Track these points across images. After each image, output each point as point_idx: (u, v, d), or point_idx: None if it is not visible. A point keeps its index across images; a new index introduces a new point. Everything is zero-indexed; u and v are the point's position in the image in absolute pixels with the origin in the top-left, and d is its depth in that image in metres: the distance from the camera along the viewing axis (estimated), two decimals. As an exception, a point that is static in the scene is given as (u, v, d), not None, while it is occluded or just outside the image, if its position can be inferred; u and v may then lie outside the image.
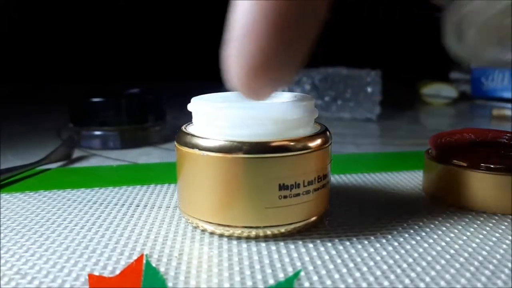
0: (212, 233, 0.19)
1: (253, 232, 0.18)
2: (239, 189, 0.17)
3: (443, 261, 0.17)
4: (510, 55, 0.15)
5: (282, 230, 0.18)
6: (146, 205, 0.22)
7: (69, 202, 0.23)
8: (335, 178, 0.27)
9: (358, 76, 0.49)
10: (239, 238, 0.18)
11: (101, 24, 0.91)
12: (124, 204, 0.23)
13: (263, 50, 0.15)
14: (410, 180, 0.27)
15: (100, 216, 0.21)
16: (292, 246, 0.18)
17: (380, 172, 0.28)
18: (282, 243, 0.18)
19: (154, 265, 0.16)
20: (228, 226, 0.18)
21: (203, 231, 0.19)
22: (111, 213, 0.21)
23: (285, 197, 0.17)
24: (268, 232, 0.18)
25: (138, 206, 0.22)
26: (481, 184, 0.21)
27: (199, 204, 0.18)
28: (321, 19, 0.16)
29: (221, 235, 0.19)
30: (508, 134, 0.25)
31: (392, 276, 0.15)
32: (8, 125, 0.49)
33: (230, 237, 0.18)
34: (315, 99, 0.50)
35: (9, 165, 0.29)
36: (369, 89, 0.49)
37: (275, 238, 0.18)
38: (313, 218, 0.19)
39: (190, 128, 0.19)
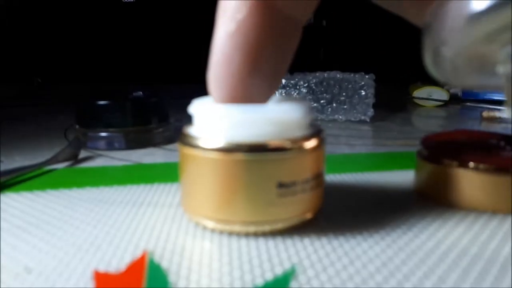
0: (213, 230, 0.19)
1: (252, 229, 0.19)
2: (238, 187, 0.18)
3: (435, 258, 0.17)
4: (491, 81, 0.15)
5: (280, 226, 0.19)
6: (150, 203, 0.23)
7: (75, 200, 0.23)
8: (330, 178, 0.27)
9: (352, 80, 0.49)
10: (238, 234, 0.19)
11: (107, 26, 0.91)
12: (128, 202, 0.23)
13: (235, 77, 0.17)
14: (402, 179, 0.27)
15: (106, 214, 0.22)
16: (289, 242, 0.18)
17: (374, 172, 0.29)
18: (279, 239, 0.18)
19: (156, 260, 0.17)
20: (228, 222, 0.18)
21: (204, 228, 0.20)
22: (116, 211, 0.22)
23: (282, 195, 0.18)
24: (267, 228, 0.19)
25: (142, 204, 0.23)
26: (471, 183, 0.21)
27: (200, 202, 0.19)
28: (292, 51, 0.18)
29: (221, 232, 0.19)
30: (497, 135, 0.25)
31: (386, 272, 0.16)
32: (15, 126, 0.49)
33: (230, 233, 0.19)
34: (311, 102, 0.50)
35: (17, 165, 0.29)
36: (363, 92, 0.49)
37: (273, 234, 0.19)
38: (309, 215, 0.20)
39: (192, 130, 0.19)
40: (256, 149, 0.18)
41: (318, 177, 0.19)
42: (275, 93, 0.18)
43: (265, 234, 0.19)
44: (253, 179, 0.18)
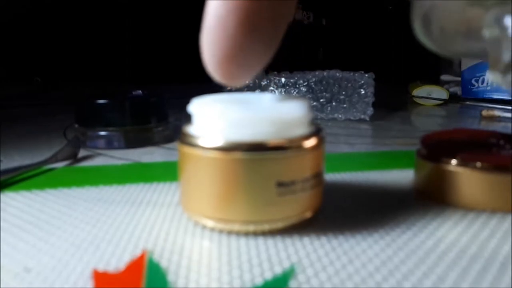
0: (212, 229, 0.19)
1: (252, 228, 0.19)
2: (238, 186, 0.18)
3: (434, 257, 0.17)
4: (478, 46, 0.15)
5: (279, 225, 0.19)
6: (149, 202, 0.23)
7: (74, 199, 0.23)
8: (329, 177, 0.27)
9: (352, 79, 0.49)
10: (238, 233, 0.19)
11: (106, 26, 0.91)
12: (128, 201, 0.23)
13: (229, 40, 0.16)
14: (402, 178, 0.27)
15: (105, 213, 0.22)
16: (288, 241, 0.18)
17: (373, 171, 0.29)
18: (279, 238, 0.18)
19: (156, 260, 0.17)
20: (227, 222, 0.18)
21: (204, 227, 0.20)
22: (115, 210, 0.22)
23: (282, 194, 0.18)
24: (266, 227, 0.19)
25: (142, 203, 0.23)
26: (471, 182, 0.21)
27: (200, 201, 0.19)
28: (288, 17, 0.17)
29: (221, 231, 0.19)
30: (497, 134, 0.25)
31: (385, 271, 0.16)
32: (14, 125, 0.49)
33: (229, 232, 0.19)
34: (311, 100, 0.50)
35: (16, 164, 0.29)
36: (362, 91, 0.49)
37: (272, 233, 0.19)
38: (309, 214, 0.20)
39: (191, 129, 0.19)
40: (255, 148, 0.18)
41: (317, 176, 0.19)
42: (271, 53, 0.18)
43: (264, 233, 0.19)
44: (253, 178, 0.18)
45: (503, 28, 0.14)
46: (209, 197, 0.18)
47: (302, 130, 0.19)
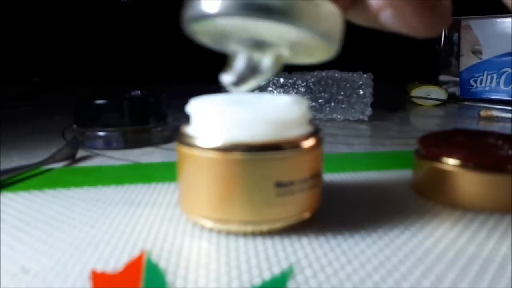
0: (211, 229, 0.19)
1: (250, 228, 0.19)
2: (236, 187, 0.18)
3: (432, 257, 0.17)
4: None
5: (278, 225, 0.19)
6: (148, 203, 0.23)
7: (73, 200, 0.23)
8: (328, 177, 0.27)
9: (351, 79, 0.49)
10: (236, 234, 0.19)
11: (105, 26, 0.91)
12: (126, 202, 0.23)
13: None
14: (400, 178, 0.27)
15: (103, 213, 0.21)
16: (287, 241, 0.18)
17: (372, 171, 0.29)
18: (277, 239, 0.18)
19: (154, 260, 0.17)
20: (226, 222, 0.18)
21: (202, 227, 0.20)
22: (113, 210, 0.22)
23: (280, 194, 0.18)
24: (265, 227, 0.19)
25: (140, 204, 0.23)
26: (469, 182, 0.22)
27: (198, 201, 0.19)
28: None
29: (219, 231, 0.19)
30: (495, 134, 0.26)
31: (384, 271, 0.16)
32: (13, 125, 0.49)
33: (228, 233, 0.19)
34: (310, 101, 0.50)
35: (14, 165, 0.29)
36: (361, 92, 0.49)
37: (271, 234, 0.19)
38: (307, 215, 0.20)
39: (190, 129, 0.19)
40: (253, 148, 0.18)
41: (316, 176, 0.19)
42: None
43: (263, 234, 0.19)
44: (251, 179, 0.18)
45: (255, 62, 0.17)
46: (207, 197, 0.18)
47: (301, 130, 0.19)
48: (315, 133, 0.19)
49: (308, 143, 0.19)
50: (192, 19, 0.16)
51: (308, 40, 0.16)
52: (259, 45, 0.17)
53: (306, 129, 0.19)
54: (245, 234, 0.19)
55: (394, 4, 0.16)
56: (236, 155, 0.18)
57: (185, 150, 0.19)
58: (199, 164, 0.18)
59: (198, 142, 0.18)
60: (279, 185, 0.18)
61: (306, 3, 0.15)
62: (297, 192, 0.18)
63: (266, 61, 0.18)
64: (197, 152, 0.18)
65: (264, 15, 0.14)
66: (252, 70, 0.18)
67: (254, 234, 0.19)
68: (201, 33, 0.17)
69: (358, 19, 0.18)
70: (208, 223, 0.19)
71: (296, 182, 0.18)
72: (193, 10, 0.15)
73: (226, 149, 0.18)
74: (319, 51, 0.17)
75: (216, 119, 0.18)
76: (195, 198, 0.19)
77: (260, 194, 0.18)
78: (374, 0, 0.16)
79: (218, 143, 0.18)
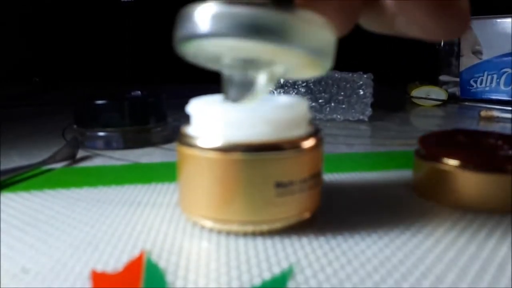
0: (211, 230, 0.19)
1: (250, 228, 0.19)
2: (236, 187, 0.18)
3: (433, 257, 0.17)
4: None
5: (278, 225, 0.19)
6: (148, 203, 0.23)
7: (73, 200, 0.23)
8: (328, 177, 0.27)
9: (351, 79, 0.49)
10: (236, 234, 0.19)
11: (105, 26, 0.91)
12: (126, 202, 0.23)
13: None
14: (400, 178, 0.27)
15: (103, 213, 0.21)
16: (287, 241, 0.18)
17: (372, 171, 0.29)
18: (277, 239, 0.18)
19: (154, 260, 0.17)
20: (226, 222, 0.18)
21: (202, 227, 0.20)
22: (113, 210, 0.22)
23: (280, 194, 0.18)
24: (265, 228, 0.19)
25: (140, 204, 0.23)
26: (469, 182, 0.21)
27: (198, 201, 0.19)
28: None
29: (219, 231, 0.19)
30: (495, 135, 0.25)
31: (384, 271, 0.16)
32: (13, 125, 0.49)
33: (228, 233, 0.19)
34: (310, 101, 0.50)
35: (15, 165, 0.29)
36: (361, 92, 0.49)
37: (271, 234, 0.19)
38: (307, 215, 0.20)
39: (190, 129, 0.19)
40: (253, 148, 0.18)
41: (316, 176, 0.19)
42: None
43: (263, 234, 0.19)
44: (251, 179, 0.18)
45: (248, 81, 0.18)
46: (207, 197, 0.18)
47: (301, 130, 0.19)
48: (315, 133, 0.19)
49: (308, 143, 0.19)
50: (184, 40, 0.16)
51: (301, 58, 0.16)
52: (252, 63, 0.17)
53: (306, 129, 0.19)
54: (245, 234, 0.19)
55: (407, 10, 0.16)
56: (236, 155, 0.18)
57: (185, 150, 0.19)
58: (199, 164, 0.18)
59: (198, 142, 0.18)
60: (279, 185, 0.18)
61: (298, 21, 0.15)
62: (297, 192, 0.18)
63: (261, 79, 0.18)
64: (197, 152, 0.18)
65: (256, 36, 0.14)
66: (246, 88, 0.18)
67: (254, 234, 0.19)
68: (193, 53, 0.17)
69: (374, 27, 0.18)
70: (208, 223, 0.19)
71: (296, 182, 0.18)
72: (185, 30, 0.15)
73: (226, 149, 0.18)
74: (313, 67, 0.17)
75: (216, 119, 0.18)
76: (195, 198, 0.19)
77: (260, 194, 0.18)
78: (388, 3, 0.16)
79: (218, 143, 0.18)
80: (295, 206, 0.19)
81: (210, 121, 0.19)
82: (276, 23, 0.14)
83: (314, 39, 0.15)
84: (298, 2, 0.16)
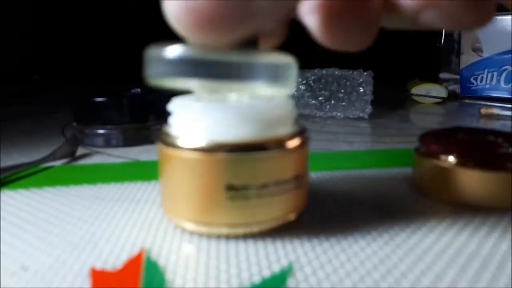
0: (192, 232, 0.19)
1: (234, 230, 0.18)
2: (219, 187, 0.17)
3: (432, 255, 0.17)
4: None
5: (264, 227, 0.18)
6: (147, 201, 0.23)
7: (72, 197, 0.23)
8: (328, 174, 0.27)
9: (351, 77, 0.49)
10: (219, 236, 0.18)
11: (106, 24, 0.91)
12: (126, 200, 0.23)
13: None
14: (400, 176, 0.27)
15: (103, 211, 0.21)
16: (286, 239, 0.18)
17: (371, 169, 0.29)
18: (277, 237, 0.18)
19: (153, 258, 0.17)
20: (209, 224, 0.18)
21: (184, 230, 0.19)
22: (113, 208, 0.22)
23: (264, 195, 0.17)
24: (249, 230, 0.18)
25: (140, 201, 0.23)
26: (469, 180, 0.21)
27: (181, 204, 0.18)
28: None
29: (201, 234, 0.19)
30: (495, 132, 0.25)
31: (383, 269, 0.16)
32: (12, 123, 0.48)
33: (209, 235, 0.18)
34: (310, 99, 0.50)
35: (14, 162, 0.29)
36: (361, 89, 0.49)
37: (271, 232, 0.19)
38: (292, 216, 0.19)
39: (171, 128, 0.19)
40: (237, 148, 0.17)
41: (301, 177, 0.19)
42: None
43: (246, 237, 0.18)
44: (234, 179, 0.17)
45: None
46: (189, 199, 0.18)
47: (285, 130, 0.18)
48: (300, 133, 0.19)
49: (293, 143, 0.18)
50: (152, 77, 0.16)
51: (262, 88, 0.16)
52: (220, 90, 0.18)
53: (291, 128, 0.19)
54: (236, 237, 0.18)
55: (436, 3, 0.16)
56: (218, 155, 0.17)
57: (166, 150, 0.18)
58: (179, 165, 0.18)
59: (180, 142, 0.18)
60: (262, 185, 0.17)
61: (259, 59, 0.16)
62: (282, 192, 0.18)
63: (231, 96, 0.19)
64: (178, 153, 0.18)
65: (218, 77, 0.15)
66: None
67: (237, 237, 0.18)
68: (165, 85, 0.17)
69: (391, 23, 0.17)
70: (192, 227, 0.18)
71: (280, 182, 0.18)
72: (152, 69, 0.16)
73: (208, 149, 0.17)
74: (275, 91, 0.18)
75: (198, 118, 0.18)
76: (176, 200, 0.18)
77: (243, 195, 0.17)
78: (411, 1, 0.16)
79: (199, 143, 0.17)
80: (280, 208, 0.18)
81: (193, 119, 0.18)
82: (236, 63, 0.15)
83: (277, 72, 0.16)
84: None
